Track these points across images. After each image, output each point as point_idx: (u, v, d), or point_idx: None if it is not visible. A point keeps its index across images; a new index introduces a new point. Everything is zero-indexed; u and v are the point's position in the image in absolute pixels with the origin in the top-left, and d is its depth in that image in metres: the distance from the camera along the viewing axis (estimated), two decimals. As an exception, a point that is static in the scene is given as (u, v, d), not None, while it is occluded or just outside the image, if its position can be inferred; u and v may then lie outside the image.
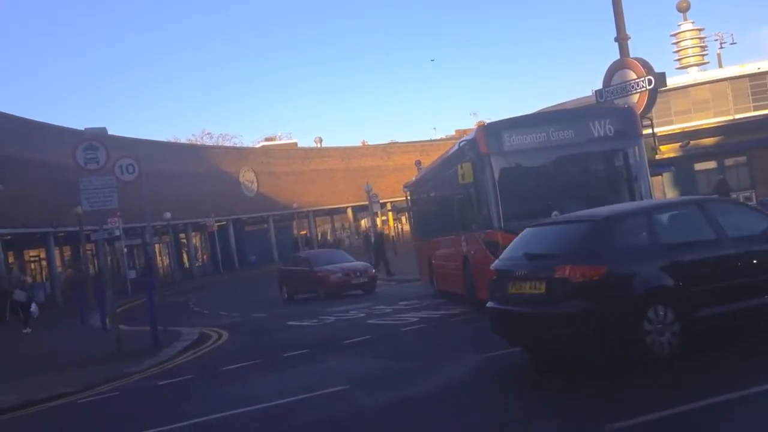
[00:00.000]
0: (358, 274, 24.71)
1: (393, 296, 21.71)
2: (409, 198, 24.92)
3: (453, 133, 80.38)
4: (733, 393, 6.58)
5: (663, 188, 34.68)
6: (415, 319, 15.27)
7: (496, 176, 13.35)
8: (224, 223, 60.00)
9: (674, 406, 6.36)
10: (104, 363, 14.52)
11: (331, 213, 73.71)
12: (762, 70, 41.39)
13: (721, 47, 49.93)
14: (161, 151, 53.26)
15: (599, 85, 19.96)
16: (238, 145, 77.43)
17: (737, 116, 41.18)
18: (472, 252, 14.67)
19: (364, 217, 73.09)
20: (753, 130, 39.54)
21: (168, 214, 45.99)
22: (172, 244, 52.37)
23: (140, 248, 51.31)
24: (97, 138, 16.41)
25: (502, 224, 13.06)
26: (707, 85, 42.46)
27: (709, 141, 40.69)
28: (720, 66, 46.98)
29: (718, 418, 6.21)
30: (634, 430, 6.00)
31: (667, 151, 35.31)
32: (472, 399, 8.02)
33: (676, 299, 7.92)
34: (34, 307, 25.28)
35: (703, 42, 48.24)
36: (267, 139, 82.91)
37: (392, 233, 67.82)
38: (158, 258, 52.50)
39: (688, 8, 47.21)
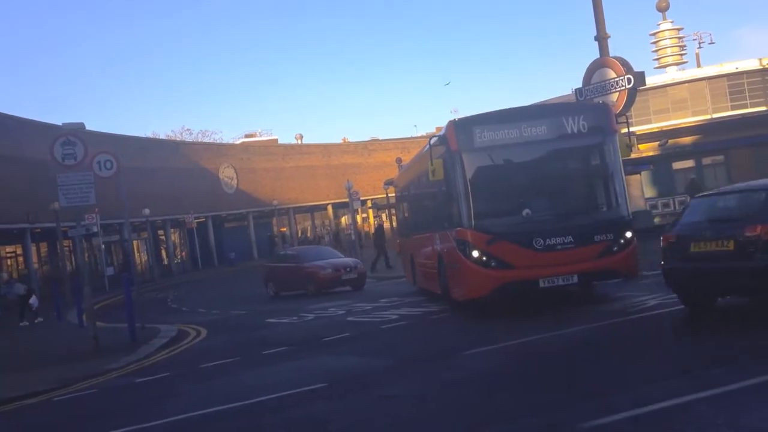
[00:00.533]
0: (348, 269, 24.50)
1: (374, 294, 21.65)
2: (394, 195, 24.80)
3: (434, 130, 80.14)
4: None
5: (641, 186, 34.90)
6: (395, 317, 15.25)
7: (467, 173, 12.95)
8: (203, 219, 59.70)
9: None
10: (81, 360, 14.42)
11: (311, 210, 73.58)
12: (740, 69, 41.80)
13: (700, 47, 50.34)
14: (140, 147, 52.90)
15: (581, 84, 20.07)
16: (217, 142, 77.06)
17: (715, 115, 41.57)
18: (445, 250, 14.37)
19: (344, 214, 73.09)
20: (730, 130, 39.94)
21: (147, 211, 45.70)
22: (150, 241, 52.04)
23: (118, 245, 50.95)
24: (75, 133, 16.27)
25: (473, 223, 12.74)
26: (685, 84, 42.81)
27: (687, 140, 41.02)
28: (698, 65, 47.38)
29: None
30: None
31: (646, 149, 35.63)
32: (451, 397, 8.03)
33: None
34: (33, 299, 25.25)
35: (682, 41, 48.64)
36: (247, 136, 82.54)
37: (371, 230, 67.72)
38: (136, 255, 52.12)
39: (667, 8, 47.57)
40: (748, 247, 9.20)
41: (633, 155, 26.64)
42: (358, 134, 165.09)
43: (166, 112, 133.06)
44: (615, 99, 19.29)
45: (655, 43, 48.45)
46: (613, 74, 19.43)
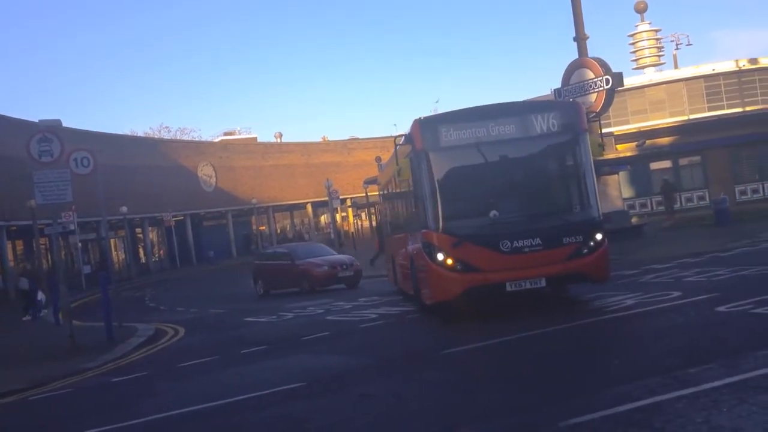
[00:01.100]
0: (344, 267, 24.15)
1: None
2: (377, 193, 24.60)
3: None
4: None
5: (619, 187, 35.15)
6: (374, 316, 15.25)
7: (433, 173, 12.40)
8: (182, 218, 59.39)
9: None
10: (57, 359, 14.30)
11: (290, 209, 73.43)
12: (716, 71, 42.25)
13: (677, 48, 50.90)
14: (118, 144, 52.54)
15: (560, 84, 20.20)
16: (196, 140, 76.73)
17: (692, 116, 42.00)
18: (415, 252, 13.99)
19: (323, 213, 73.00)
20: (707, 131, 40.37)
21: (124, 209, 45.38)
22: (128, 239, 51.66)
23: (95, 243, 50.57)
24: (52, 130, 16.15)
25: (439, 224, 12.29)
26: (663, 85, 43.22)
27: (664, 140, 41.39)
28: (676, 67, 47.87)
29: None
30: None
31: (624, 150, 35.85)
32: (430, 396, 8.03)
33: None
34: (40, 296, 25.13)
35: (660, 43, 49.11)
36: (226, 134, 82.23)
37: (351, 229, 67.68)
38: (114, 253, 51.79)
39: (645, 9, 48.00)
40: None
41: (611, 155, 26.89)
42: (337, 133, 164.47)
43: (144, 109, 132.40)
44: (593, 99, 19.43)
45: (633, 44, 48.86)
46: (591, 75, 19.59)
